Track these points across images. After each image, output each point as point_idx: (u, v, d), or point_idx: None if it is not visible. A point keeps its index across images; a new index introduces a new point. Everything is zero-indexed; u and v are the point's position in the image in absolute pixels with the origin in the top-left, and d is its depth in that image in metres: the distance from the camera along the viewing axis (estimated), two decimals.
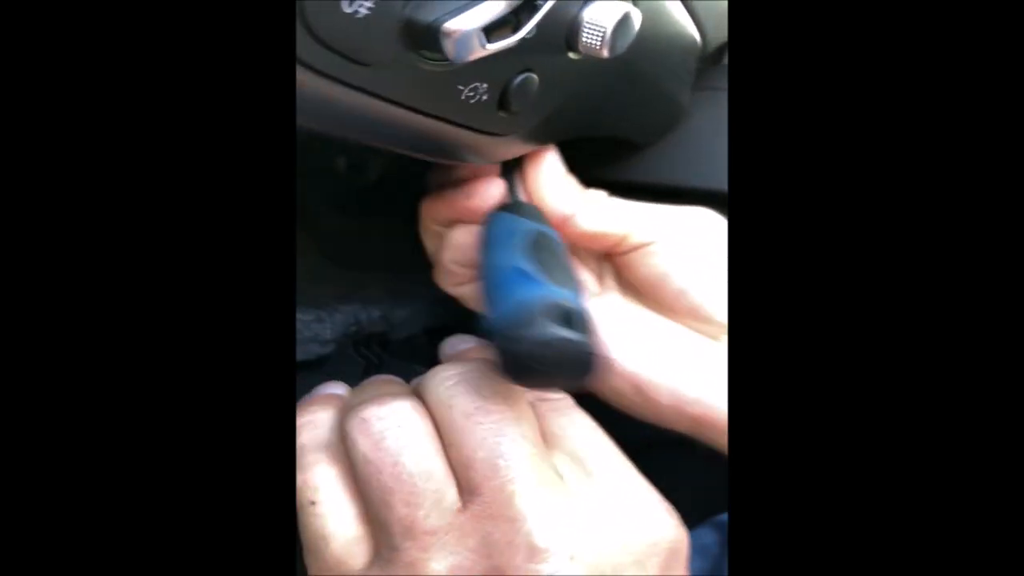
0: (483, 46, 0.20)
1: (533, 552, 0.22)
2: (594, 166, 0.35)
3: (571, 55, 0.25)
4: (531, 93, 0.25)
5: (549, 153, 0.32)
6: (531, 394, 0.27)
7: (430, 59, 0.20)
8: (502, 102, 0.24)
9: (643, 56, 0.32)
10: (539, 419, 0.26)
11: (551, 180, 0.32)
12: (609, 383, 0.30)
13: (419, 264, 0.37)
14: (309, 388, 0.30)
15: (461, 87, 0.22)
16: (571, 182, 0.33)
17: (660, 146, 0.40)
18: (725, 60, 0.40)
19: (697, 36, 0.35)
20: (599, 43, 0.24)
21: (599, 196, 0.33)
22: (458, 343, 0.33)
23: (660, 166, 0.40)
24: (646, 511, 0.25)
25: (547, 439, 0.26)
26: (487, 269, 0.27)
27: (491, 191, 0.31)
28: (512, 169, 0.32)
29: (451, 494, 0.24)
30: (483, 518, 0.23)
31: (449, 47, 0.19)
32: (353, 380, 0.29)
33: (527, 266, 0.26)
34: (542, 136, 0.30)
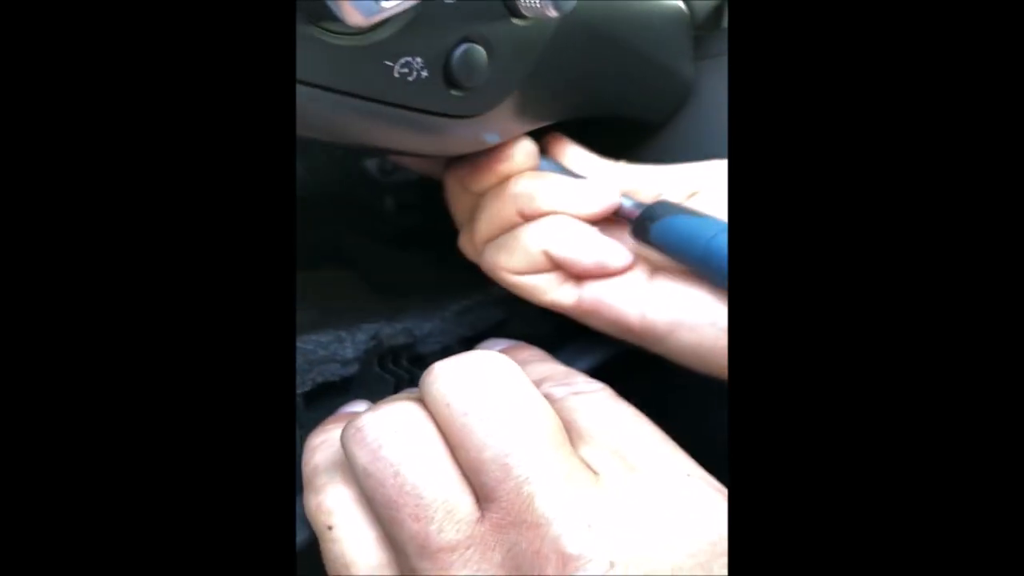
0: (379, 6, 0.18)
1: (565, 560, 0.19)
2: (613, 151, 0.33)
3: (517, 22, 0.24)
4: (479, 66, 0.23)
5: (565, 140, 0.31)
6: (562, 388, 0.25)
7: (335, 32, 0.19)
8: (448, 78, 0.23)
9: (628, 30, 0.30)
10: (570, 412, 0.24)
11: (576, 155, 0.31)
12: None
13: (455, 286, 0.36)
14: (334, 411, 0.29)
15: (389, 63, 0.21)
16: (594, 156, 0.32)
17: (675, 122, 0.38)
18: (723, 24, 0.37)
19: (682, 5, 0.33)
20: (538, 2, 0.22)
21: (623, 166, 0.32)
22: (492, 346, 0.31)
23: (678, 143, 0.38)
24: (704, 505, 0.21)
25: (580, 433, 0.23)
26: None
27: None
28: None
29: (466, 503, 0.21)
30: (505, 526, 0.20)
31: (342, 12, 0.18)
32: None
33: None
34: (530, 115, 0.29)
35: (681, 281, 0.30)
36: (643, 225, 0.29)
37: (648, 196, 0.31)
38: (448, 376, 0.22)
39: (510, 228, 0.31)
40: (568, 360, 0.30)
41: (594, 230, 0.31)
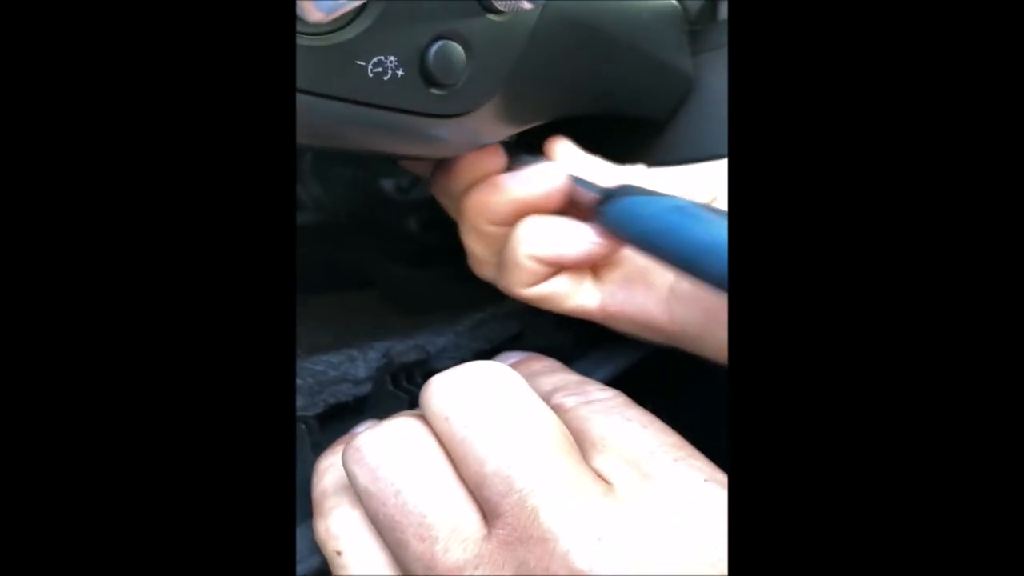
0: (336, 3, 0.18)
1: None
2: (619, 149, 0.33)
3: (493, 17, 0.23)
4: (457, 63, 0.23)
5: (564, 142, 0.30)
6: (575, 397, 0.24)
7: (303, 32, 0.19)
8: (426, 76, 0.22)
9: (617, 25, 0.30)
10: (582, 422, 0.22)
11: (586, 164, 0.30)
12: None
13: (477, 301, 0.36)
14: (347, 432, 0.28)
15: (361, 62, 0.20)
16: (605, 163, 0.31)
17: (679, 117, 0.37)
18: (719, 16, 0.36)
19: (674, 1, 0.32)
20: None
21: (639, 170, 0.31)
22: (506, 359, 0.30)
23: (683, 138, 0.37)
24: (723, 512, 0.19)
25: (593, 443, 0.22)
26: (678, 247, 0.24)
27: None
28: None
29: (471, 520, 0.20)
30: (512, 543, 0.19)
31: (302, 11, 0.18)
32: None
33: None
34: (520, 114, 0.28)
35: None
36: (599, 211, 0.27)
37: None
38: (445, 389, 0.22)
39: (495, 242, 0.30)
40: (586, 371, 0.29)
41: (564, 220, 0.29)
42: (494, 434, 0.20)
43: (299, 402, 0.28)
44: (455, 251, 0.33)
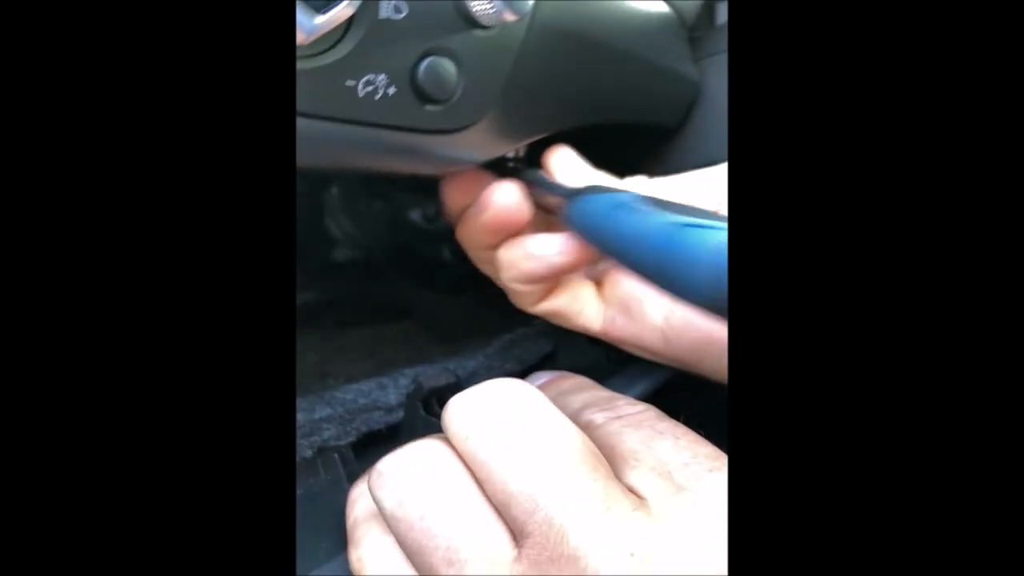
0: (313, 23, 0.18)
1: None
2: (634, 162, 0.32)
3: (480, 32, 0.23)
4: (449, 78, 0.23)
5: (563, 150, 0.30)
6: (604, 413, 0.23)
7: None
8: (419, 93, 0.22)
9: (613, 34, 0.29)
10: (612, 437, 0.22)
11: (584, 173, 0.30)
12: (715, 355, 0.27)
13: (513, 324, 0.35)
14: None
15: (351, 82, 0.21)
16: (604, 174, 0.30)
17: (690, 123, 0.36)
18: (718, 21, 0.36)
19: (667, 8, 0.32)
20: (492, 8, 0.22)
21: (641, 180, 0.30)
22: (536, 379, 0.30)
23: (694, 143, 0.36)
24: None
25: (624, 458, 0.21)
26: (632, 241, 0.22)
27: (506, 194, 0.28)
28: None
29: (500, 541, 0.19)
30: (542, 563, 0.18)
31: None
32: None
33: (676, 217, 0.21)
34: (522, 126, 0.28)
35: None
36: (564, 213, 0.26)
37: None
38: (465, 409, 0.21)
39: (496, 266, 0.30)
40: (621, 387, 0.28)
41: (534, 236, 0.29)
42: (517, 452, 0.19)
43: (331, 431, 0.28)
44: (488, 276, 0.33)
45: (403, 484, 0.20)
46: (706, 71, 0.35)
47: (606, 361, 0.35)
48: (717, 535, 0.18)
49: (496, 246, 0.29)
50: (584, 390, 0.27)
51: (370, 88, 0.21)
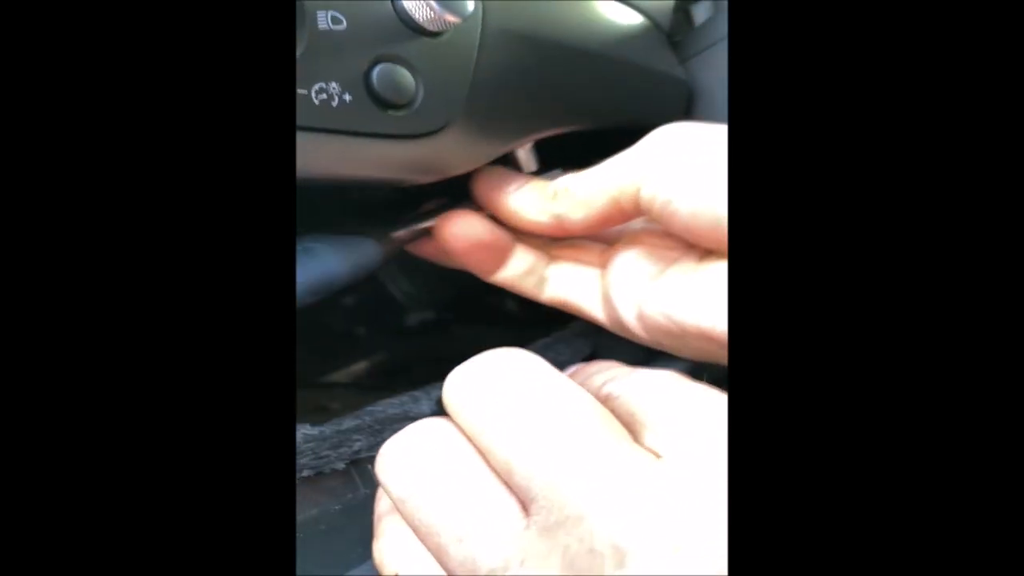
0: None
1: (620, 555, 0.15)
2: None
3: (429, 38, 0.24)
4: (405, 84, 0.23)
5: (487, 170, 0.30)
6: (622, 383, 0.22)
7: None
8: (376, 99, 0.23)
9: (586, 38, 0.30)
10: (630, 404, 0.20)
11: (510, 191, 0.29)
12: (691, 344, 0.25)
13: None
14: None
15: (303, 91, 0.21)
16: (529, 182, 0.29)
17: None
18: (697, 22, 0.35)
19: (637, 14, 0.32)
20: (433, 13, 0.23)
21: (566, 179, 0.29)
22: (568, 371, 0.29)
23: None
24: None
25: (643, 422, 0.19)
26: None
27: (461, 226, 0.29)
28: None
29: (509, 512, 0.17)
30: (552, 528, 0.16)
31: None
32: None
33: None
34: (506, 129, 0.28)
35: None
36: None
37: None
38: (462, 380, 0.20)
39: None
40: None
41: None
42: (515, 418, 0.18)
43: (361, 443, 0.28)
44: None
45: (405, 465, 0.20)
46: (694, 71, 0.34)
47: (645, 357, 0.33)
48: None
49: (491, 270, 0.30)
50: (609, 369, 0.25)
51: (324, 96, 0.22)
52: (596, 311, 0.29)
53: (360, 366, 0.45)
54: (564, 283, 0.30)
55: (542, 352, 0.34)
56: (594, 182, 0.27)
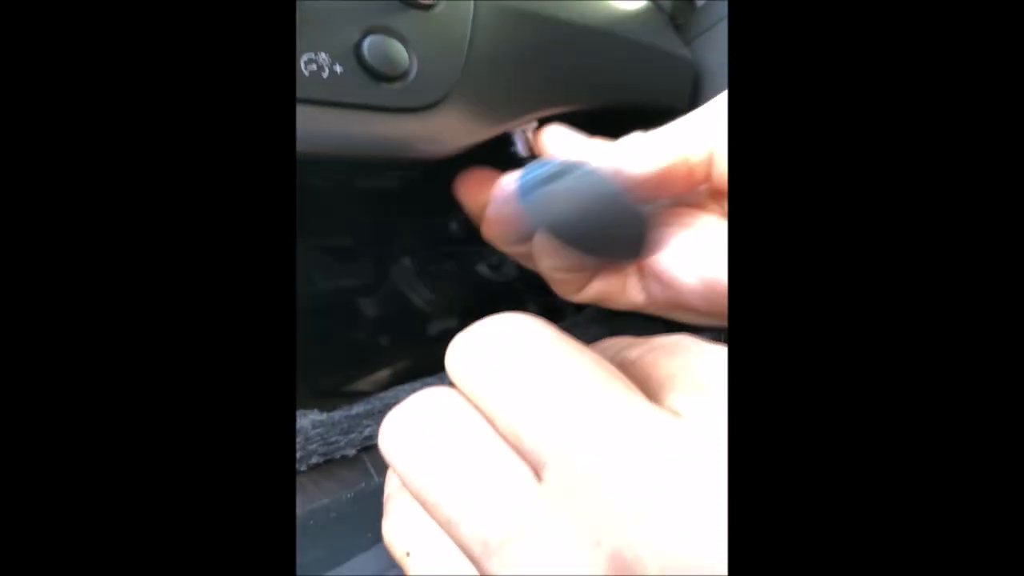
0: None
1: (640, 516, 0.14)
2: None
3: (421, 11, 0.23)
4: (397, 56, 0.23)
5: (552, 127, 0.28)
6: (637, 348, 0.20)
7: None
8: (368, 70, 0.22)
9: (590, 15, 0.29)
10: (647, 368, 0.19)
11: (564, 139, 0.28)
12: None
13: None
14: None
15: None
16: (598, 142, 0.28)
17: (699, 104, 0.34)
18: (699, 3, 0.35)
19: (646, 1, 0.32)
20: None
21: (635, 136, 0.27)
22: None
23: None
24: None
25: (661, 383, 0.18)
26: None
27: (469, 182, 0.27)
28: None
29: (520, 478, 0.16)
30: (566, 492, 0.15)
31: None
32: None
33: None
34: (505, 106, 0.27)
35: None
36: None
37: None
38: (464, 345, 0.19)
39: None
40: None
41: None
42: (522, 380, 0.17)
43: (371, 427, 0.27)
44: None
45: (407, 436, 0.18)
46: (699, 51, 0.33)
47: (666, 329, 0.32)
48: None
49: (527, 239, 0.28)
50: (623, 340, 0.24)
51: (314, 67, 0.21)
52: (635, 297, 0.28)
53: (383, 374, 0.44)
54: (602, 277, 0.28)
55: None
56: (665, 138, 0.25)
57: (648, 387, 0.18)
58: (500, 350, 0.18)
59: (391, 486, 0.22)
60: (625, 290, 0.28)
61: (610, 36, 0.30)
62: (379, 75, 0.22)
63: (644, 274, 0.28)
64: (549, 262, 0.27)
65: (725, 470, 0.14)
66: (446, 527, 0.17)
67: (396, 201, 0.41)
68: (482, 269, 0.44)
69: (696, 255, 0.25)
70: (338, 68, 0.22)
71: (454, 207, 0.29)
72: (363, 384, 0.43)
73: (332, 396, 0.44)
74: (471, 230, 0.39)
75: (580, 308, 0.36)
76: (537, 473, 0.16)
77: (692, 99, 0.34)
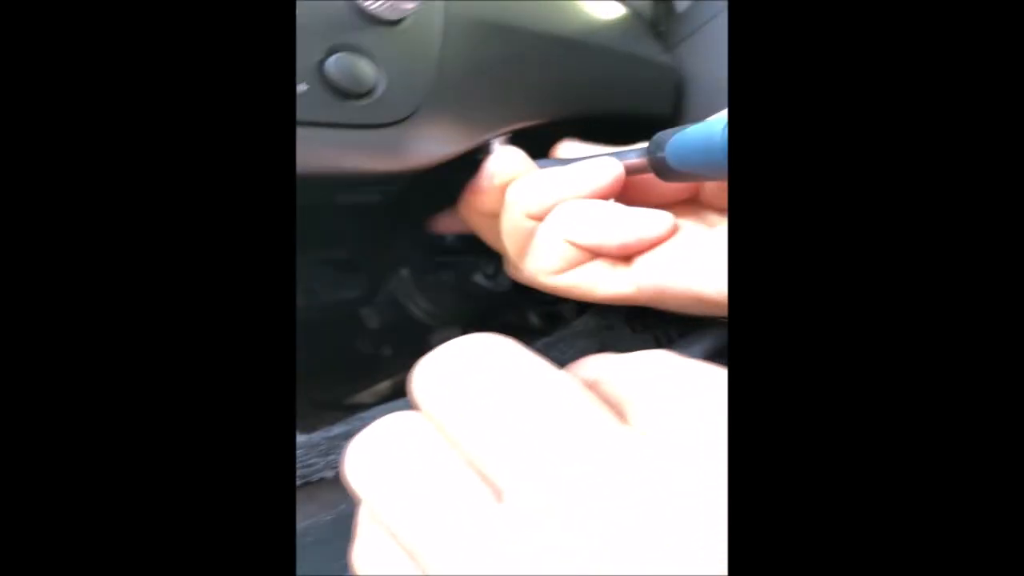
0: None
1: (602, 535, 0.14)
2: None
3: (389, 27, 0.22)
4: (363, 72, 0.22)
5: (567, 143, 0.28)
6: (609, 369, 0.20)
7: None
8: (334, 88, 0.21)
9: (567, 26, 0.28)
10: (617, 387, 0.18)
11: (573, 149, 0.27)
12: None
13: None
14: None
15: None
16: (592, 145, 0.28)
17: (686, 109, 0.33)
18: (679, 10, 0.33)
19: (620, 7, 0.30)
20: (386, 1, 0.21)
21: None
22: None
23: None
24: None
25: (627, 401, 0.17)
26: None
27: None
28: None
29: (485, 501, 0.15)
30: (528, 516, 0.15)
31: None
32: None
33: None
34: (485, 116, 0.27)
35: None
36: (658, 159, 0.25)
37: None
38: (427, 369, 0.18)
39: (529, 235, 0.27)
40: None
41: (612, 204, 0.25)
42: (483, 404, 0.16)
43: None
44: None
45: (369, 463, 0.17)
46: (682, 57, 0.32)
47: (655, 345, 0.30)
48: (718, 456, 0.14)
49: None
50: (602, 358, 0.23)
51: None
52: (618, 287, 0.26)
53: (384, 385, 0.44)
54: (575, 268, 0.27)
55: (544, 351, 0.31)
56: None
57: (619, 406, 0.17)
58: (462, 373, 0.17)
59: (362, 511, 0.21)
60: (601, 282, 0.27)
61: (586, 46, 0.29)
62: (344, 92, 0.22)
63: (638, 261, 0.27)
64: (566, 234, 0.26)
65: (691, 486, 0.14)
66: (410, 552, 0.16)
67: (393, 213, 0.40)
68: (479, 279, 0.43)
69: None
70: (301, 87, 0.21)
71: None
72: (364, 396, 0.43)
73: (334, 408, 0.43)
74: (466, 240, 0.38)
75: (580, 315, 0.35)
76: (500, 497, 0.15)
77: (677, 105, 0.33)
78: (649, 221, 0.25)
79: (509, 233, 0.28)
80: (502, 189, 0.27)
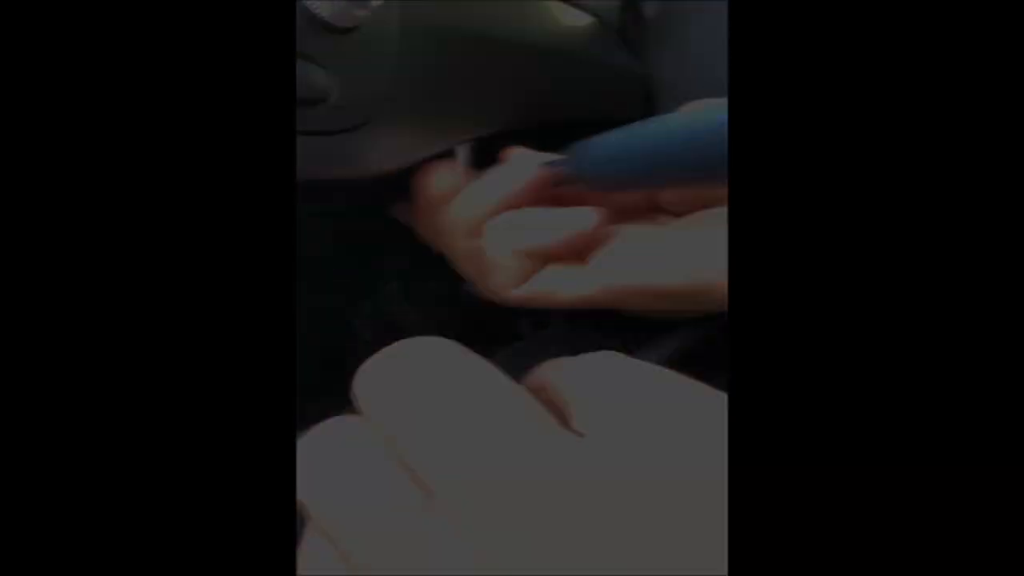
0: None
1: (530, 537, 0.13)
2: None
3: (340, 35, 0.22)
4: (316, 80, 0.22)
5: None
6: (559, 370, 0.20)
7: None
8: None
9: (527, 33, 0.28)
10: (563, 391, 0.18)
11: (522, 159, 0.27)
12: None
13: None
14: None
15: None
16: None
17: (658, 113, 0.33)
18: (648, 15, 0.33)
19: (585, 15, 0.30)
20: (335, 9, 0.21)
21: None
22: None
23: None
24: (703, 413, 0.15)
25: (569, 403, 0.17)
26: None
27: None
28: None
29: (417, 507, 0.15)
30: (459, 522, 0.14)
31: None
32: None
33: None
34: (447, 123, 0.26)
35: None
36: (572, 167, 0.25)
37: None
38: (365, 373, 0.18)
39: (478, 255, 0.27)
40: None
41: (541, 208, 0.25)
42: (419, 404, 0.16)
43: None
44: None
45: (307, 468, 0.17)
46: (653, 62, 0.32)
47: (625, 351, 0.30)
48: (650, 457, 0.14)
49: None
50: (555, 361, 0.22)
51: None
52: (582, 288, 0.26)
53: None
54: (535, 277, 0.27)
55: (514, 358, 0.31)
56: None
57: (562, 409, 0.17)
58: (399, 376, 0.17)
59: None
60: (569, 284, 0.26)
61: (549, 52, 0.28)
62: (299, 100, 0.21)
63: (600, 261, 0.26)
64: (509, 247, 0.25)
65: (620, 487, 0.13)
66: (345, 558, 0.16)
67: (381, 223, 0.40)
68: (468, 287, 0.43)
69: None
70: None
71: None
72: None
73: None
74: None
75: (572, 319, 0.35)
76: (433, 502, 0.15)
77: (647, 111, 0.32)
78: (576, 215, 0.25)
79: (461, 258, 0.28)
80: (441, 207, 0.27)
